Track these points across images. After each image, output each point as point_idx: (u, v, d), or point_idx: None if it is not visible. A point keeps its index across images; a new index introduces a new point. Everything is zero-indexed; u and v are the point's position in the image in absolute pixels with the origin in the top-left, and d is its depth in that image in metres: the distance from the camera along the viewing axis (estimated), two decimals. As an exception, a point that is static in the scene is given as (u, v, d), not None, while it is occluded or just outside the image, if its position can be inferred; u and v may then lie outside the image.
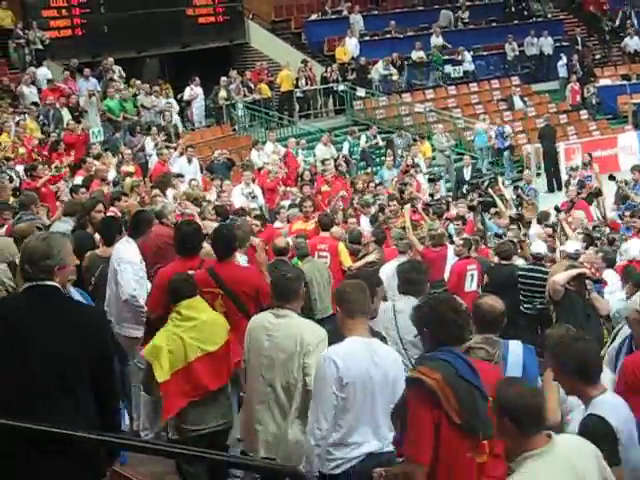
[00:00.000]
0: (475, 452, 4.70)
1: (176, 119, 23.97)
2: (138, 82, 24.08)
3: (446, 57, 30.95)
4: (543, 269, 11.17)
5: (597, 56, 33.05)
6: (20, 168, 16.91)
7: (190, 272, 7.33)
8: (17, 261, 6.74)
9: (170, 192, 15.00)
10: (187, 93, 25.22)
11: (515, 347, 6.16)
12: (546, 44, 31.70)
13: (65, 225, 10.14)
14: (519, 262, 12.26)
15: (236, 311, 7.22)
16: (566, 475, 4.25)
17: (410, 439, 4.73)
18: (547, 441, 4.28)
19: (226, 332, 6.77)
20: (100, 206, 10.57)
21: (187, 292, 6.82)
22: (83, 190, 13.30)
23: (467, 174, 23.48)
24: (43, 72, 23.40)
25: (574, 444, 4.47)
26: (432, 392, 4.63)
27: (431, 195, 19.71)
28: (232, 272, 7.46)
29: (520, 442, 4.26)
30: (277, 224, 15.22)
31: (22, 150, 18.33)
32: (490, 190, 17.90)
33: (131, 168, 16.67)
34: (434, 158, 25.28)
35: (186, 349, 6.57)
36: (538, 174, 25.64)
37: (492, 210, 17.07)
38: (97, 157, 17.76)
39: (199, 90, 25.13)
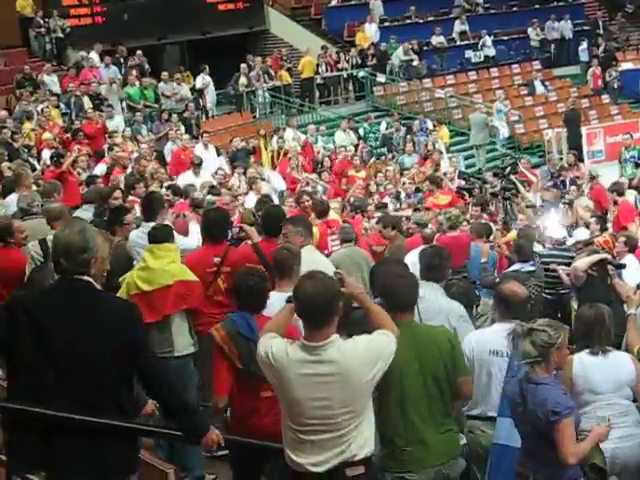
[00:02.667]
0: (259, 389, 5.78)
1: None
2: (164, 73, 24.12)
3: (466, 42, 30.86)
4: (566, 254, 11.12)
5: (619, 40, 32.77)
6: (47, 154, 16.96)
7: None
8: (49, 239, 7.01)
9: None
10: (199, 82, 25.17)
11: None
12: (566, 28, 31.51)
13: (87, 213, 10.20)
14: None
15: None
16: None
17: (214, 377, 6.03)
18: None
19: (171, 279, 7.45)
20: (117, 193, 10.65)
21: (153, 238, 7.69)
22: (99, 180, 13.43)
23: (462, 165, 22.95)
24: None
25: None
26: (219, 344, 5.96)
27: (465, 179, 19.52)
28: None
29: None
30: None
31: (48, 135, 18.34)
32: (512, 176, 17.79)
33: (150, 166, 16.44)
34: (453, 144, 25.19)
35: (129, 285, 7.48)
36: (560, 159, 25.52)
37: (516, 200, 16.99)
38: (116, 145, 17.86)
39: (208, 79, 25.11)
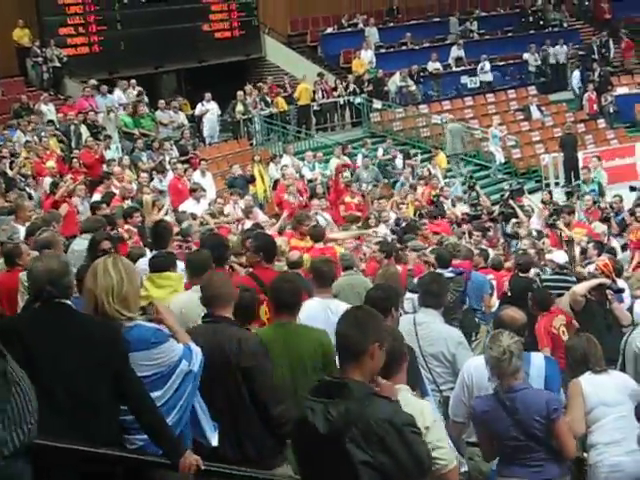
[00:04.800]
0: None
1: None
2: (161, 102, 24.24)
3: (462, 68, 31.05)
4: (569, 278, 11.17)
5: (614, 64, 32.96)
6: (48, 182, 17.01)
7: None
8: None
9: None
10: (198, 109, 25.27)
11: (537, 359, 6.21)
12: (561, 53, 31.73)
13: (85, 242, 10.20)
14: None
15: None
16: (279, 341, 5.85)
17: None
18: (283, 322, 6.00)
19: None
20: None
21: (154, 267, 7.58)
22: (104, 206, 13.40)
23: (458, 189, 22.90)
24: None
25: (300, 332, 6.10)
26: None
27: (473, 205, 19.53)
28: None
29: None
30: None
31: (51, 163, 18.43)
32: (511, 201, 17.87)
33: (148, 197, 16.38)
34: (449, 170, 25.26)
35: None
36: (556, 184, 25.63)
37: (513, 220, 17.07)
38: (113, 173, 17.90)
39: (210, 106, 25.15)
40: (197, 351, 5.23)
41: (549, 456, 5.62)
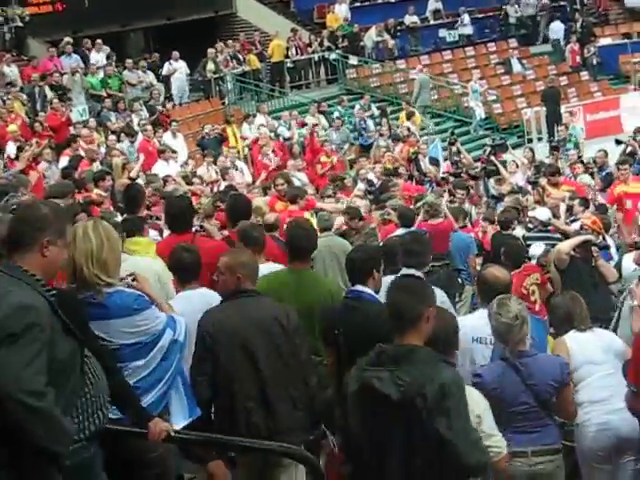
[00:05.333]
0: None
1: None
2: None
3: (440, 21, 30.94)
4: (553, 235, 11.21)
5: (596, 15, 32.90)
6: (12, 147, 16.86)
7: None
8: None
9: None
10: (165, 68, 25.07)
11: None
12: (532, 4, 31.58)
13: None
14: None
15: None
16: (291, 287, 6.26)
17: None
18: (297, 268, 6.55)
19: None
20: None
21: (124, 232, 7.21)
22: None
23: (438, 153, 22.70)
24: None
25: (312, 278, 6.69)
26: None
27: (454, 163, 19.48)
28: None
29: None
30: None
31: (13, 127, 18.24)
32: (492, 157, 17.84)
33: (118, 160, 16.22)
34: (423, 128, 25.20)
35: None
36: (539, 139, 25.66)
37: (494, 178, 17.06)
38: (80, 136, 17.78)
39: (178, 65, 24.99)
40: (181, 321, 5.21)
41: (550, 421, 5.72)
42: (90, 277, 4.88)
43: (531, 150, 19.88)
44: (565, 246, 9.68)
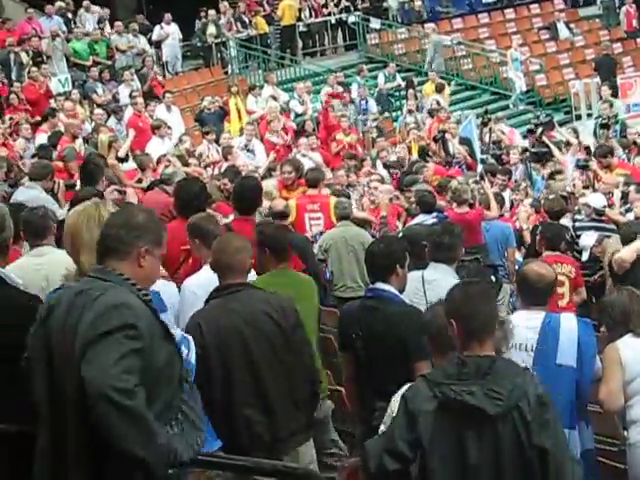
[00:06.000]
0: None
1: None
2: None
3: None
4: (607, 226, 11.17)
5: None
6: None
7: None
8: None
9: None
10: (156, 33, 25.10)
11: (568, 321, 6.16)
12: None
13: (32, 191, 10.14)
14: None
15: None
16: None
17: None
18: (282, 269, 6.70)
19: None
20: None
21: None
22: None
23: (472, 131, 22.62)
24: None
25: (299, 278, 6.90)
26: None
27: (495, 143, 19.45)
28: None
29: None
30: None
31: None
32: (544, 137, 17.73)
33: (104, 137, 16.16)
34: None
35: None
36: (589, 115, 25.54)
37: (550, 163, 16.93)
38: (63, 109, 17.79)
39: (171, 29, 25.04)
40: (192, 341, 5.10)
41: None
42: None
43: (575, 130, 19.79)
44: (628, 254, 9.57)
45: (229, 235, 6.54)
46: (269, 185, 12.05)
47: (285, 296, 5.82)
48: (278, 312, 5.63)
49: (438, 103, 22.26)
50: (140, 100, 19.64)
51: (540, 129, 18.20)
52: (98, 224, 4.89)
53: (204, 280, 6.30)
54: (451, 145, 18.82)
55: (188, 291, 6.46)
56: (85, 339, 4.02)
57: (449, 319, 4.60)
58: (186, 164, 15.11)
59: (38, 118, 18.19)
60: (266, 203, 10.20)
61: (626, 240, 9.65)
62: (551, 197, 12.97)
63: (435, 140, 18.97)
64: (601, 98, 23.43)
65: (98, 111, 19.04)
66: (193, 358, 5.03)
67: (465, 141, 19.30)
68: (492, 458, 4.36)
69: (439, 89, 23.71)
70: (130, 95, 20.43)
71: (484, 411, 4.30)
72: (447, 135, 19.05)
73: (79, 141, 15.38)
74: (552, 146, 17.39)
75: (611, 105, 21.37)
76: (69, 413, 4.11)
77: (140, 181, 13.03)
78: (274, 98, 22.15)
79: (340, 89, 23.66)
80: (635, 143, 17.86)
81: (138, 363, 4.01)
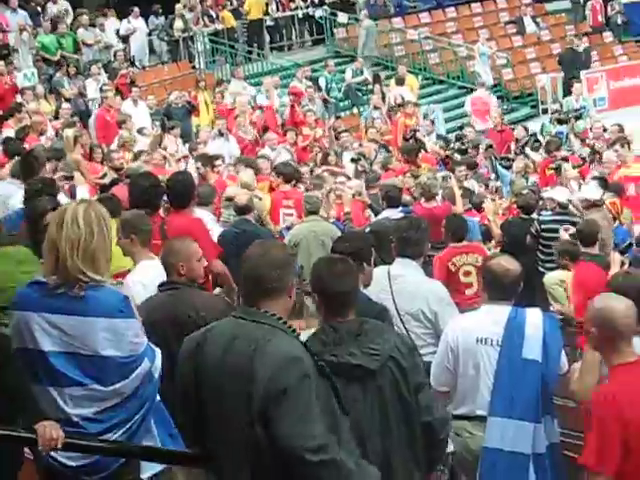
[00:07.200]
0: None
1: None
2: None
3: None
4: (571, 219, 11.23)
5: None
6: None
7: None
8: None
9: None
10: (123, 27, 24.99)
11: (533, 317, 6.15)
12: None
13: (12, 187, 10.07)
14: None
15: None
16: None
17: None
18: None
19: None
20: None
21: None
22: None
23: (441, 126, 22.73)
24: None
25: None
26: None
27: (459, 138, 19.50)
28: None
29: None
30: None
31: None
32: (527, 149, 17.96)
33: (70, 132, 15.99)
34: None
35: None
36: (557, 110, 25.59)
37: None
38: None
39: (138, 23, 24.99)
40: (158, 353, 4.98)
41: None
42: (73, 270, 4.64)
43: (525, 128, 19.95)
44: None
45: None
46: (246, 177, 12.14)
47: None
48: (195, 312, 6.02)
49: (402, 98, 22.28)
50: (111, 94, 19.54)
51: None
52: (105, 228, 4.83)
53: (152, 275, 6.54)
54: (427, 144, 18.89)
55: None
56: (266, 392, 4.10)
57: (314, 293, 4.87)
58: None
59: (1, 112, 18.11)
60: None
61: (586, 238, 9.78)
62: (525, 192, 13.09)
63: (406, 139, 18.93)
64: (569, 93, 23.65)
65: (66, 105, 18.89)
66: (157, 372, 4.94)
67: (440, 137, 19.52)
68: (378, 408, 4.71)
69: (399, 82, 23.71)
70: (101, 89, 20.33)
71: (367, 368, 4.64)
72: (418, 135, 19.05)
73: (44, 137, 15.36)
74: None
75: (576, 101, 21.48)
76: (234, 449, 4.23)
77: (104, 176, 13.05)
78: (241, 93, 22.11)
79: (309, 83, 23.64)
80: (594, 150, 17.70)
81: (319, 408, 4.15)
